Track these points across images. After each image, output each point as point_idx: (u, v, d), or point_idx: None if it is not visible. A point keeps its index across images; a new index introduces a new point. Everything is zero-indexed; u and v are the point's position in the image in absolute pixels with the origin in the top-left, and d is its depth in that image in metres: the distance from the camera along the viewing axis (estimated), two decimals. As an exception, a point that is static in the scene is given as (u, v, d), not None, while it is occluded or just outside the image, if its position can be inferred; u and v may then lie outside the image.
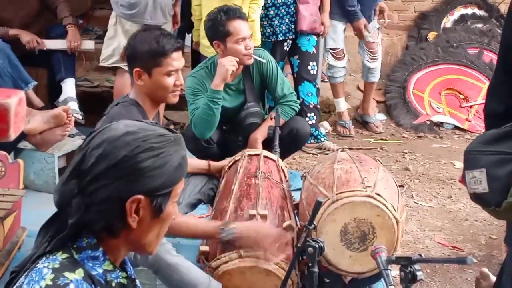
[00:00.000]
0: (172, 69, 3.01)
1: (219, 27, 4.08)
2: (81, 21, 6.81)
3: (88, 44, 5.56)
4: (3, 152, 3.45)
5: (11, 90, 0.94)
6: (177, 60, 3.03)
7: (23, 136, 4.12)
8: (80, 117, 5.07)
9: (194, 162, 3.73)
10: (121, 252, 1.57)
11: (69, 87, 5.24)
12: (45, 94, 5.41)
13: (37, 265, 1.46)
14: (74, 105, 5.14)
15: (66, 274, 1.43)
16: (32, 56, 5.13)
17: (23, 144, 4.23)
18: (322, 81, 6.22)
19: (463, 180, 2.02)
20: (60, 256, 1.47)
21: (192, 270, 2.82)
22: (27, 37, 5.13)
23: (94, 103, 5.71)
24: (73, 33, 5.29)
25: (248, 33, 4.09)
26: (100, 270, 1.50)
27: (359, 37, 6.03)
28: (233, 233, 2.76)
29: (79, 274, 1.45)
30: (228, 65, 3.93)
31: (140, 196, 1.48)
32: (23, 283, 1.44)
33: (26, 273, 1.47)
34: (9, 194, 3.29)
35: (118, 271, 1.55)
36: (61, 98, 5.22)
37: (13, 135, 0.90)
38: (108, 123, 1.58)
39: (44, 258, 1.47)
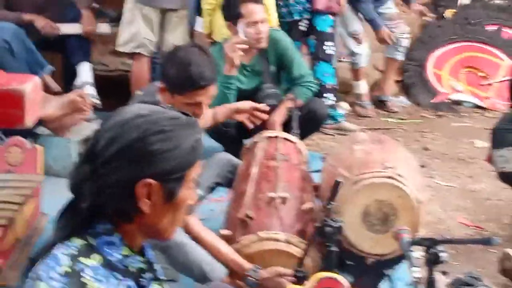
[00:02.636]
0: (193, 102, 2.92)
1: (232, 8, 4.05)
2: (95, 4, 6.77)
3: (104, 28, 5.53)
4: (21, 138, 3.43)
5: (25, 76, 0.91)
6: (202, 95, 2.92)
7: (40, 121, 4.12)
8: (98, 102, 5.06)
9: None
10: (137, 238, 1.55)
11: (84, 71, 5.23)
12: (61, 78, 5.39)
13: (53, 251, 1.45)
14: (91, 90, 5.14)
15: (82, 259, 1.42)
16: (46, 40, 5.11)
17: (40, 130, 4.22)
18: (339, 61, 6.16)
19: (490, 159, 1.99)
20: (76, 242, 1.46)
21: (197, 251, 2.78)
22: (41, 22, 5.10)
23: (110, 87, 5.70)
24: (88, 16, 5.27)
25: (260, 17, 4.05)
26: (118, 256, 1.49)
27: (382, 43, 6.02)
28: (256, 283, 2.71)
29: (95, 259, 1.44)
30: (231, 53, 3.87)
31: (151, 180, 1.45)
32: (40, 270, 1.43)
33: (42, 260, 1.46)
34: (28, 180, 3.29)
35: (136, 255, 1.54)
36: (77, 82, 5.21)
37: (29, 121, 0.87)
38: None
39: (60, 244, 1.46)
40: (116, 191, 1.46)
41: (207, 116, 3.52)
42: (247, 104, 3.69)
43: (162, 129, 1.47)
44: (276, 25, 4.93)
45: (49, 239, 1.52)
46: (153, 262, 1.62)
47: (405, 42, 6.11)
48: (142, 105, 1.55)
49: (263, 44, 4.09)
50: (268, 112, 4.19)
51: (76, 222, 1.48)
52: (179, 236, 2.76)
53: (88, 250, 1.45)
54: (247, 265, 2.77)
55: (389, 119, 5.99)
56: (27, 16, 5.09)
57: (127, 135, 1.45)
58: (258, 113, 3.68)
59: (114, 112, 1.52)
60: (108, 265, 1.46)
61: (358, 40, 5.89)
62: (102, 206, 1.47)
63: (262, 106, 3.73)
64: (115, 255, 1.48)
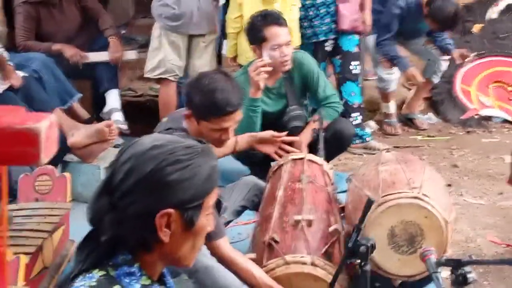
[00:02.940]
0: (222, 127, 2.95)
1: (256, 32, 4.07)
2: (123, 31, 6.88)
3: (130, 55, 5.62)
4: (50, 166, 3.49)
5: (41, 114, 0.94)
6: (228, 121, 2.94)
7: (68, 149, 4.19)
8: (125, 127, 5.12)
9: None
10: (157, 266, 1.55)
11: (113, 98, 5.30)
12: (90, 105, 5.48)
13: (74, 284, 1.46)
14: (118, 116, 5.21)
15: None
16: (76, 69, 5.20)
17: (69, 157, 4.29)
18: (365, 79, 6.16)
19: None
20: (97, 273, 1.47)
21: (226, 275, 2.79)
22: (70, 52, 5.19)
23: (139, 112, 5.78)
24: (115, 44, 5.35)
25: (285, 40, 4.06)
26: (138, 286, 1.49)
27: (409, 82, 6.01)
28: None
29: None
30: (255, 76, 3.88)
31: (170, 210, 1.46)
32: None
33: None
34: (57, 208, 3.33)
35: (156, 285, 1.55)
36: (106, 109, 5.29)
37: (44, 159, 0.90)
38: None
39: (80, 277, 1.47)
40: (136, 222, 1.47)
41: (229, 144, 3.53)
42: (268, 133, 3.73)
43: (179, 159, 1.48)
44: (299, 45, 4.95)
45: (69, 272, 1.54)
46: (173, 290, 1.64)
47: (444, 65, 6.08)
48: (157, 136, 1.56)
49: (288, 67, 4.11)
50: (294, 134, 4.23)
51: (96, 254, 1.49)
52: (206, 260, 2.78)
53: (109, 282, 1.46)
54: (278, 287, 2.77)
55: (418, 137, 5.95)
56: (56, 46, 5.19)
57: (144, 167, 1.46)
58: (284, 145, 3.77)
59: (129, 143, 1.54)
60: None
61: (387, 65, 5.86)
62: (122, 237, 1.48)
63: (283, 134, 3.79)
64: (135, 285, 1.48)
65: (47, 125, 1.00)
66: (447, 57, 6.07)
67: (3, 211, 1.13)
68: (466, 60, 6.03)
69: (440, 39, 5.99)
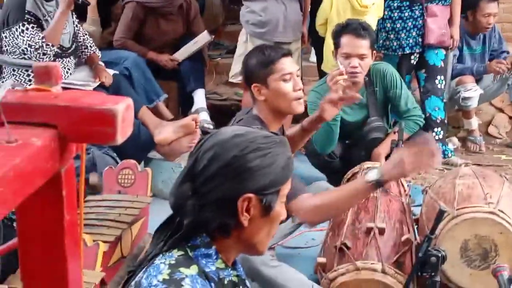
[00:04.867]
0: (285, 72, 2.94)
1: (335, 36, 4.10)
2: (212, 36, 7.03)
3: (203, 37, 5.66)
4: (133, 161, 3.62)
5: (119, 97, 1.02)
6: (287, 63, 2.98)
7: (153, 146, 4.32)
8: (211, 127, 5.23)
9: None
10: (232, 252, 1.64)
11: (199, 97, 5.42)
12: (176, 106, 5.63)
13: (154, 262, 1.56)
14: (205, 115, 5.32)
15: (182, 269, 1.52)
16: (163, 69, 5.35)
17: (153, 154, 4.43)
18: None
19: None
20: (176, 253, 1.56)
21: (289, 283, 2.84)
22: (163, 61, 5.36)
23: (222, 116, 5.87)
24: None
25: (358, 52, 4.01)
26: (213, 268, 1.58)
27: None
28: (382, 178, 2.52)
29: (194, 270, 1.53)
30: (333, 85, 3.80)
31: (251, 195, 1.55)
32: (141, 278, 1.54)
33: (144, 269, 1.57)
34: (137, 201, 3.44)
35: (229, 269, 1.63)
36: (193, 108, 5.40)
37: (120, 139, 0.98)
38: None
39: (161, 255, 1.57)
40: (217, 207, 1.56)
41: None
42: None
43: (259, 147, 1.57)
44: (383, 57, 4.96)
45: (148, 252, 1.64)
46: (244, 278, 1.71)
47: None
48: (237, 127, 1.69)
49: (357, 80, 4.06)
50: (374, 145, 4.23)
51: (177, 236, 1.59)
52: (269, 269, 2.85)
53: (187, 261, 1.55)
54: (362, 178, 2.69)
55: (502, 156, 5.81)
56: (151, 55, 5.33)
57: (227, 154, 1.56)
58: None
59: (209, 134, 1.64)
60: (204, 275, 1.55)
61: (467, 80, 5.76)
62: (204, 221, 1.57)
63: None
64: (211, 267, 1.58)
65: (124, 107, 1.08)
66: None
67: (81, 188, 1.22)
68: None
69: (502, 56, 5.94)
